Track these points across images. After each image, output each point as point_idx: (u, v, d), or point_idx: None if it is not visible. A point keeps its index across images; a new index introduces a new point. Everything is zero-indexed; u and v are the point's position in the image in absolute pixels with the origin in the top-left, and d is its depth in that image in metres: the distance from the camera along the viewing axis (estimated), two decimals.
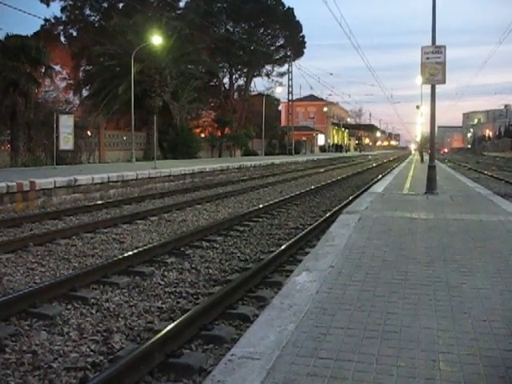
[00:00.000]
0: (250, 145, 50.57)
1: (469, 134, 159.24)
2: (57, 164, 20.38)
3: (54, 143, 20.45)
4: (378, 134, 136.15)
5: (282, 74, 61.05)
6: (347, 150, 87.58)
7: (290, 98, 56.77)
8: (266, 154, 48.12)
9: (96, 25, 48.21)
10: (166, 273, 6.99)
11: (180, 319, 4.70)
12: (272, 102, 61.55)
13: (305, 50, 61.89)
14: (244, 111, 58.01)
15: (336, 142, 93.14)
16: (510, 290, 4.42)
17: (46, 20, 47.93)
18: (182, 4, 52.20)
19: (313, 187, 19.12)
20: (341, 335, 3.38)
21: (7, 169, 19.70)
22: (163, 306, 5.63)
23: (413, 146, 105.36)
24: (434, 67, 12.40)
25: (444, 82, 12.52)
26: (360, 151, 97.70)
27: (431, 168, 13.08)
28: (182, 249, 8.33)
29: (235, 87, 60.26)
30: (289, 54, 58.51)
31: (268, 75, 61.76)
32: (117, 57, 33.22)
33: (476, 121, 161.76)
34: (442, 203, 10.91)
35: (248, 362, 2.94)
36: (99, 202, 13.89)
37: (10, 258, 7.61)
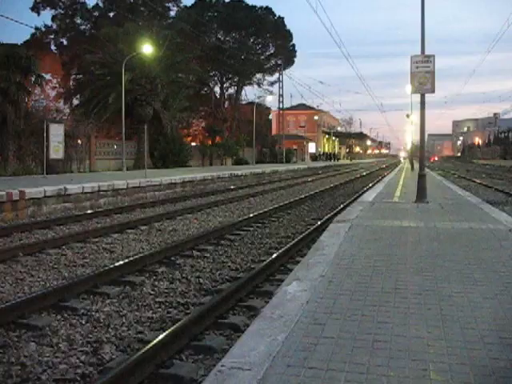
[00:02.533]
0: (241, 153, 50.58)
1: (458, 142, 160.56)
2: (47, 173, 20.26)
3: (44, 152, 20.32)
4: (369, 143, 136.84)
5: (272, 83, 61.53)
6: (338, 159, 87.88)
7: (281, 106, 56.95)
8: (256, 163, 48.23)
9: (87, 34, 48.28)
10: (156, 282, 6.96)
11: (170, 329, 4.68)
12: (263, 110, 61.82)
13: (295, 59, 62.42)
14: (235, 120, 58.14)
15: (327, 150, 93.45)
16: (499, 298, 4.44)
17: (36, 29, 47.99)
18: (172, 13, 52.56)
19: (303, 196, 19.14)
20: (331, 345, 3.38)
21: None
22: (154, 316, 5.60)
23: (402, 154, 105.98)
24: (424, 76, 12.49)
25: (433, 91, 12.61)
26: (351, 159, 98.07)
27: (421, 177, 13.15)
28: (172, 258, 8.30)
29: (226, 96, 60.47)
30: (279, 62, 58.84)
31: (259, 84, 62.14)
32: (107, 65, 33.20)
33: (465, 129, 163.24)
34: (432, 211, 10.95)
35: (238, 373, 2.92)
36: (89, 212, 13.82)
37: None
